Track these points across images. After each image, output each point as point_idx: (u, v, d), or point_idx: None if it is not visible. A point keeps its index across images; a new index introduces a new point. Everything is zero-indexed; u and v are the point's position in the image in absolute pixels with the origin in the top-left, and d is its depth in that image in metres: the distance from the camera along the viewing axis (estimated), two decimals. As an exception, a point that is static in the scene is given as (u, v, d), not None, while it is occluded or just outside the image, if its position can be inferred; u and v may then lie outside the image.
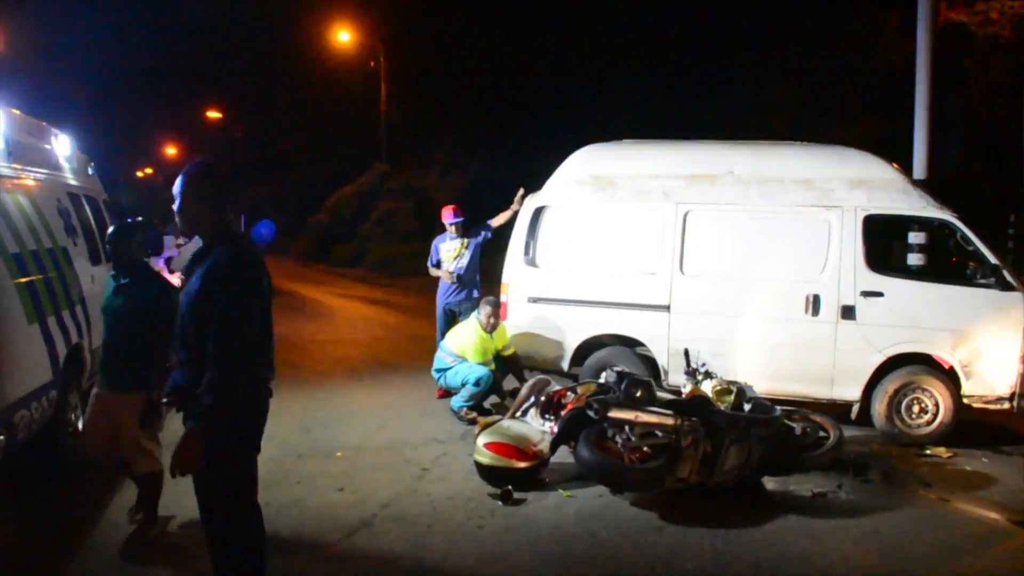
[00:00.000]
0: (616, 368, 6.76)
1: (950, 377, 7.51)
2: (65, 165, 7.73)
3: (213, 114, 50.14)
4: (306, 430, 7.78)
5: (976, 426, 7.85)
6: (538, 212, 8.46)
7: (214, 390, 3.43)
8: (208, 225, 3.67)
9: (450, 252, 9.47)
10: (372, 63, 34.31)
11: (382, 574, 4.82)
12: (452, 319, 9.23)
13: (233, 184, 3.88)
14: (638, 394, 5.99)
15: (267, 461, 6.64)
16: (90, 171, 8.85)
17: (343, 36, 33.54)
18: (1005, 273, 7.38)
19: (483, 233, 9.54)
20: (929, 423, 7.54)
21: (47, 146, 7.32)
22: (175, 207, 3.71)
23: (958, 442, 7.48)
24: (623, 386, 6.08)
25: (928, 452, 7.36)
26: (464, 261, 9.42)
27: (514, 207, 8.89)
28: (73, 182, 7.85)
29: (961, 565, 5.11)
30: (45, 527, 5.43)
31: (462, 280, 9.38)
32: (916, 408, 7.56)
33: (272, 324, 3.78)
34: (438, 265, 9.62)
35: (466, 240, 9.43)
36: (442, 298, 9.52)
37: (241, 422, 3.61)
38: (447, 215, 9.55)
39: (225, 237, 3.65)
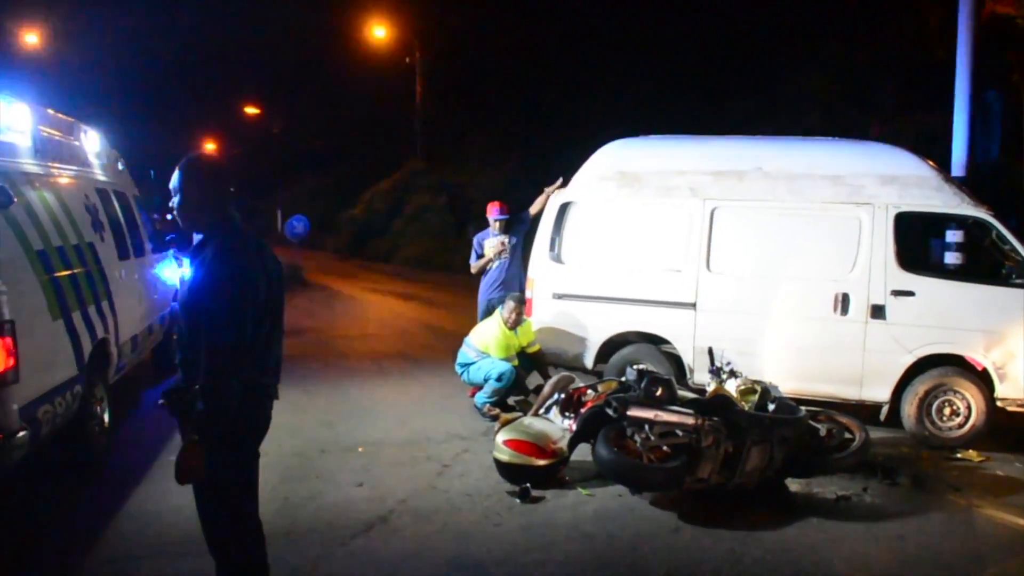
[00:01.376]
0: (637, 366, 6.69)
1: (983, 379, 7.33)
2: (94, 161, 7.81)
3: (251, 110, 50.61)
4: (330, 424, 7.83)
5: (1009, 430, 7.66)
6: (564, 208, 8.40)
7: (206, 396, 3.31)
8: (208, 222, 3.55)
9: (493, 248, 9.41)
10: (407, 59, 34.43)
11: (395, 570, 4.80)
12: None
13: (232, 178, 3.69)
14: (658, 393, 5.91)
15: (289, 455, 6.80)
16: (120, 166, 8.93)
17: (379, 32, 33.66)
18: (1042, 272, 7.19)
19: (523, 227, 9.46)
20: (960, 426, 7.37)
21: (76, 142, 7.39)
22: (174, 204, 3.59)
23: (990, 446, 7.32)
24: (643, 384, 6.01)
25: (959, 456, 7.20)
26: (507, 256, 9.36)
27: (548, 190, 8.81)
28: (102, 177, 7.93)
29: (987, 573, 4.99)
30: (71, 519, 5.50)
31: (507, 276, 9.30)
32: (947, 410, 7.39)
33: (280, 328, 3.69)
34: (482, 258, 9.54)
35: (508, 236, 9.37)
36: (485, 293, 9.44)
37: (236, 429, 3.48)
38: (492, 211, 9.49)
39: (222, 233, 3.50)
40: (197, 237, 3.64)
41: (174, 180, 3.57)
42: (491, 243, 9.43)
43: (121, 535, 5.24)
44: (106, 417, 6.78)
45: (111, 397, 6.95)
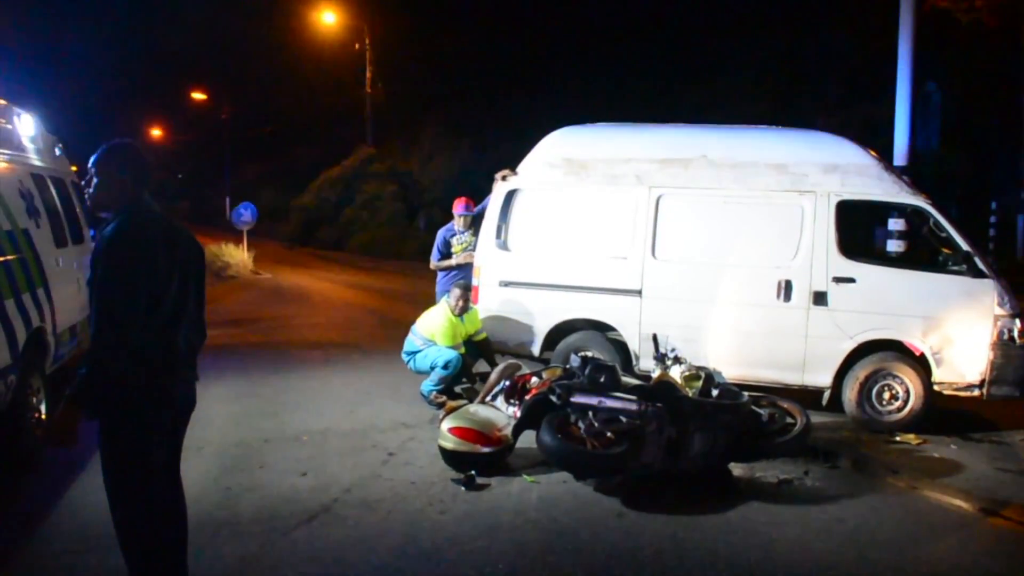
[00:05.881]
0: (581, 353, 6.71)
1: (921, 364, 7.49)
2: (28, 145, 7.59)
3: (198, 96, 49.75)
4: (274, 414, 7.74)
5: (946, 413, 7.84)
6: (510, 195, 8.39)
7: (88, 360, 3.39)
8: (118, 205, 3.65)
9: (462, 244, 9.33)
10: (357, 45, 34.08)
11: (339, 559, 4.75)
12: None
13: (151, 167, 3.86)
14: (602, 379, 5.94)
15: (232, 445, 6.72)
16: (58, 152, 8.70)
17: (328, 18, 33.25)
18: (977, 260, 7.35)
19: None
20: (899, 410, 7.52)
21: (8, 126, 7.17)
22: (94, 183, 3.68)
23: (928, 429, 7.48)
24: (587, 371, 6.03)
25: (898, 439, 7.35)
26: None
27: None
28: (37, 163, 7.72)
29: (923, 552, 5.08)
30: (7, 513, 5.36)
31: (470, 271, 9.15)
32: (887, 395, 7.54)
33: (194, 311, 3.75)
34: (448, 257, 9.38)
35: (475, 229, 9.20)
36: (444, 284, 9.28)
37: (135, 406, 3.52)
38: (458, 207, 9.42)
39: (126, 215, 3.59)
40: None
41: (94, 161, 3.67)
42: (459, 240, 9.36)
43: (60, 528, 5.12)
44: (43, 408, 6.62)
45: (48, 388, 6.79)
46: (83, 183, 3.74)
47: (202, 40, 50.25)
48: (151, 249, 3.53)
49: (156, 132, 60.10)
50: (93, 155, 3.69)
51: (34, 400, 6.46)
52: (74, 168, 9.69)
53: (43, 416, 6.60)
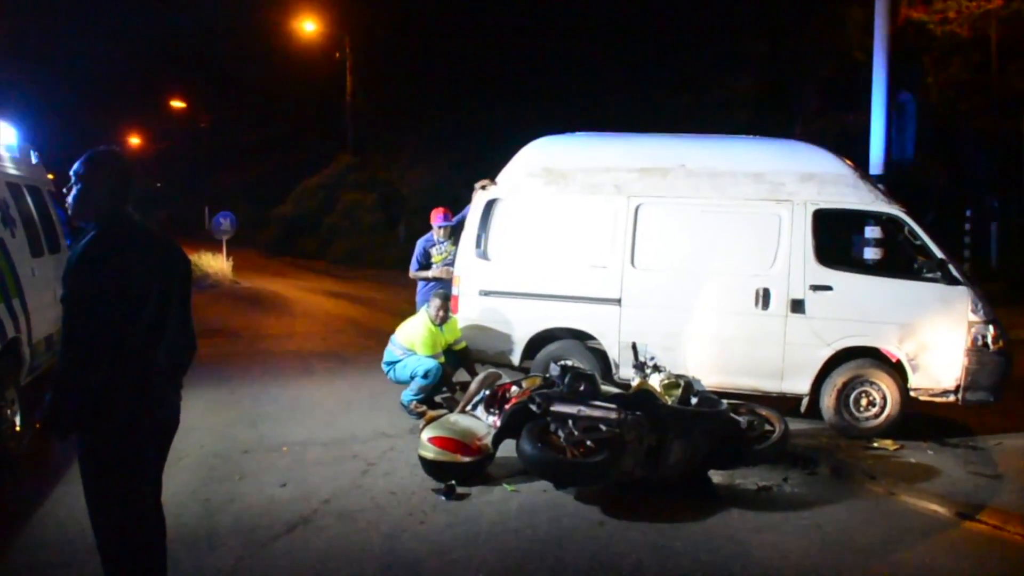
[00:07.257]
0: (561, 362, 6.72)
1: (897, 370, 7.56)
2: (4, 154, 7.53)
3: (177, 104, 49.52)
4: (253, 424, 7.71)
5: (922, 419, 7.92)
6: (490, 204, 8.41)
7: (55, 384, 3.28)
8: (98, 215, 3.52)
9: (441, 254, 9.35)
10: (337, 54, 34.05)
11: (318, 570, 4.73)
12: None
13: (137, 177, 3.73)
14: (581, 388, 5.95)
15: (211, 456, 6.68)
16: (34, 160, 8.64)
17: (308, 26, 33.21)
18: (951, 267, 7.44)
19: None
20: (877, 416, 7.58)
21: (-16, 135, 7.14)
22: (74, 191, 3.55)
23: (905, 435, 7.54)
24: (567, 380, 6.04)
25: (875, 445, 7.40)
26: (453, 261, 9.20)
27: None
28: (13, 171, 7.65)
29: (900, 557, 5.13)
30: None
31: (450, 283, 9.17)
32: (864, 401, 7.60)
33: (175, 327, 3.61)
34: (428, 267, 9.40)
35: (454, 239, 9.19)
36: (425, 295, 9.25)
37: (110, 427, 3.41)
38: (436, 217, 9.43)
39: (105, 226, 3.47)
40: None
41: (77, 168, 3.55)
42: (439, 250, 9.36)
43: (35, 541, 5.07)
44: (18, 420, 6.56)
45: (24, 399, 6.72)
46: (64, 191, 3.61)
47: (182, 48, 50.10)
48: (124, 265, 3.40)
49: (135, 140, 59.75)
50: (76, 162, 3.57)
51: (8, 412, 6.39)
52: (51, 176, 9.62)
53: (18, 428, 6.54)
